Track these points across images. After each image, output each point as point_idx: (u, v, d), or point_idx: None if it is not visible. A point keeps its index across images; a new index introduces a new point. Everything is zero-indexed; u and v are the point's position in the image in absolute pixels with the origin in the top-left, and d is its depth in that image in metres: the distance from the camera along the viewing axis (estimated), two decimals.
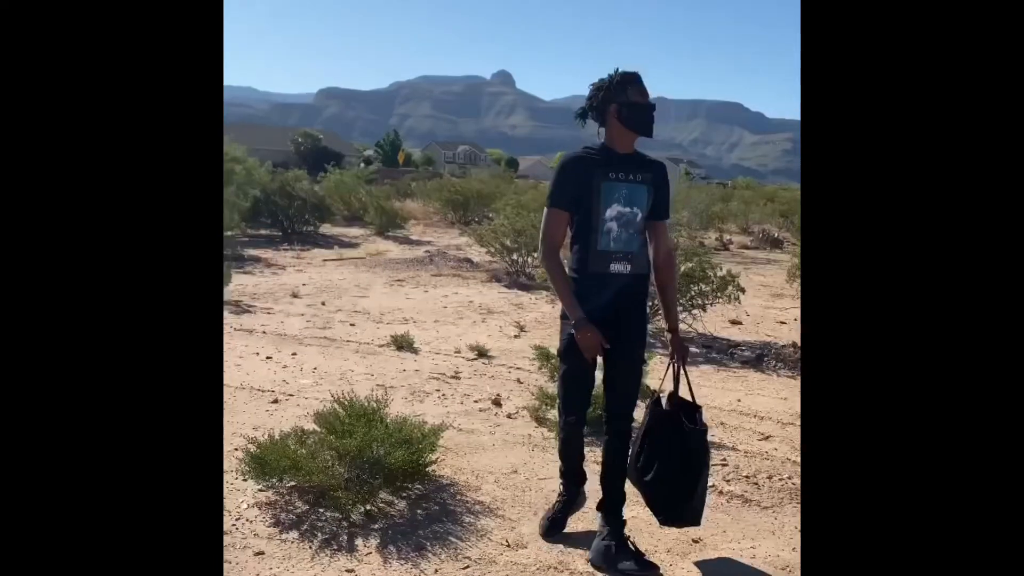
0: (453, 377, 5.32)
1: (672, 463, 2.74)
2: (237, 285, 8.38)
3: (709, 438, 2.82)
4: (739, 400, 5.08)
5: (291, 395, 4.69)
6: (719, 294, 6.75)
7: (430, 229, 16.96)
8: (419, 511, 3.12)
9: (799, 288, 5.12)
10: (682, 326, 6.49)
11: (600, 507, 2.85)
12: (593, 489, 2.97)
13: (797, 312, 7.72)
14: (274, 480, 3.12)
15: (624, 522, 2.82)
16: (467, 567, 2.72)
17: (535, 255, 9.48)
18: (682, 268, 6.66)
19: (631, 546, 2.74)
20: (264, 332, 6.45)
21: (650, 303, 5.45)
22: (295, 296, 8.23)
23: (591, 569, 2.73)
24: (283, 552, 2.75)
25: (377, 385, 4.89)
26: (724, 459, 3.87)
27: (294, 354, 5.75)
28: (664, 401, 2.87)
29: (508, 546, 2.88)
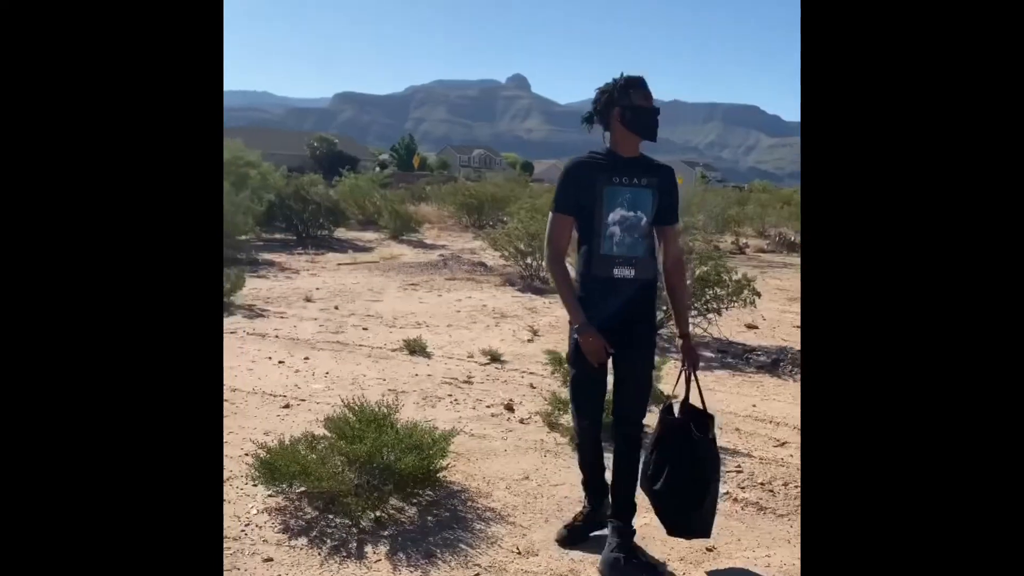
0: (465, 382, 5.29)
1: (682, 472, 2.70)
2: (251, 289, 8.40)
3: (723, 444, 2.78)
4: (754, 405, 5.01)
5: (303, 400, 4.69)
6: (734, 298, 6.68)
7: (444, 233, 16.97)
8: (429, 517, 3.09)
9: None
10: (697, 330, 6.44)
11: (610, 515, 2.81)
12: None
13: None
14: (284, 486, 3.10)
15: (634, 532, 2.78)
16: (477, 574, 2.69)
17: None
18: (697, 272, 6.59)
19: (641, 557, 2.70)
20: (277, 336, 6.46)
21: (664, 308, 5.43)
22: (308, 300, 8.25)
23: None
24: (292, 559, 2.73)
25: (389, 390, 4.88)
26: (739, 465, 3.81)
27: (306, 358, 5.75)
28: (676, 408, 2.83)
29: (519, 553, 2.84)
